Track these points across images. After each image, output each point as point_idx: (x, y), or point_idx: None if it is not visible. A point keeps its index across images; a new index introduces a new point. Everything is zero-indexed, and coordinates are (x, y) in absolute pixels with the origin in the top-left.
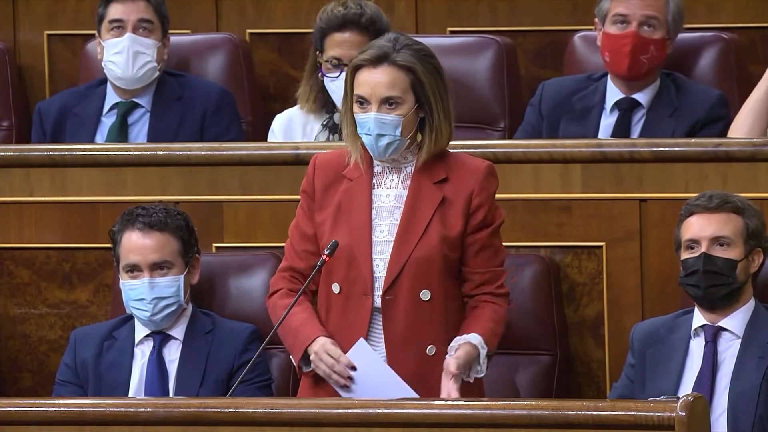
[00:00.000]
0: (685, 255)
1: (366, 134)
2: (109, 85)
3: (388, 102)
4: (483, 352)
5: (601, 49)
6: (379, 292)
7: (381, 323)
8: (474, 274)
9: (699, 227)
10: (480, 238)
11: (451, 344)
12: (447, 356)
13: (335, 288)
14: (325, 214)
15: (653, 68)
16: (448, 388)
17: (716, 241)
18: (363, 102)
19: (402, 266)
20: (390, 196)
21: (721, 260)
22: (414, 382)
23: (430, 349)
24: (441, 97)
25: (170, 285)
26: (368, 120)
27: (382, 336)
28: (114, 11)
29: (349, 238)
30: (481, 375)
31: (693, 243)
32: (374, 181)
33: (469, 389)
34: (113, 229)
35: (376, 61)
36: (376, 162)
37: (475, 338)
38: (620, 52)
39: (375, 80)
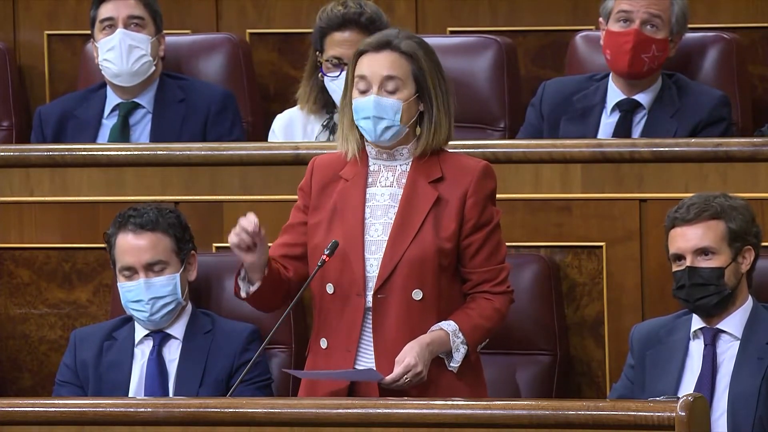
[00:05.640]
0: (674, 268)
1: (364, 118)
2: (108, 87)
3: (388, 83)
4: (457, 340)
5: (603, 48)
6: (371, 292)
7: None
8: (472, 274)
9: (681, 240)
10: (476, 239)
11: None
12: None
13: (329, 288)
14: (320, 216)
15: (653, 68)
16: (395, 372)
17: (699, 252)
18: (363, 83)
19: (395, 266)
20: (385, 194)
21: (706, 271)
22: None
23: None
24: (441, 91)
25: (166, 284)
26: (368, 102)
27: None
28: (104, 11)
29: (343, 238)
30: (455, 365)
31: (678, 257)
32: (369, 179)
33: (462, 381)
34: (107, 233)
35: (379, 46)
36: (371, 160)
37: (449, 325)
38: (621, 49)
39: (377, 62)
